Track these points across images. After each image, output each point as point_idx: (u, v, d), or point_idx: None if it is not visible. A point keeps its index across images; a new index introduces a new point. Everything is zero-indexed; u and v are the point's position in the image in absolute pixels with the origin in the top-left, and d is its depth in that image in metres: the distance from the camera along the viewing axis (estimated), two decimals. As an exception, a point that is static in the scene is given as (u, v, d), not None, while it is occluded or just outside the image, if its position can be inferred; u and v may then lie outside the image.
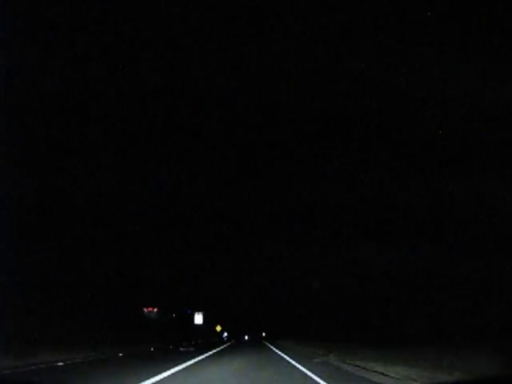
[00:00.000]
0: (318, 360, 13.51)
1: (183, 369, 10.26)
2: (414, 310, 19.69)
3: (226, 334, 71.57)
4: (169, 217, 31.79)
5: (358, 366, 9.96)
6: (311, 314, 43.88)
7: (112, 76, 15.90)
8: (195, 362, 12.40)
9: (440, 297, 18.27)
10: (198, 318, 61.76)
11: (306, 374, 8.98)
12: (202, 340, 44.84)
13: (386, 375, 7.98)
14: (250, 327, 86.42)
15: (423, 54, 13.35)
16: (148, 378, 7.75)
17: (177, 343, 28.91)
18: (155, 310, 51.54)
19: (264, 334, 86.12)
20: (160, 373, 8.77)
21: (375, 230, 22.86)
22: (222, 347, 27.68)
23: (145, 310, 48.94)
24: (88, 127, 19.06)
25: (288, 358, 14.33)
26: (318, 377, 8.17)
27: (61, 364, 11.18)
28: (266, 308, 76.97)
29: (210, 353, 18.44)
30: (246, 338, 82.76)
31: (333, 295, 31.65)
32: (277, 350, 21.72)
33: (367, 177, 21.01)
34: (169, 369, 9.71)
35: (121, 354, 16.09)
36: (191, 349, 22.91)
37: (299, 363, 11.75)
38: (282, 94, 17.41)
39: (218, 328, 65.58)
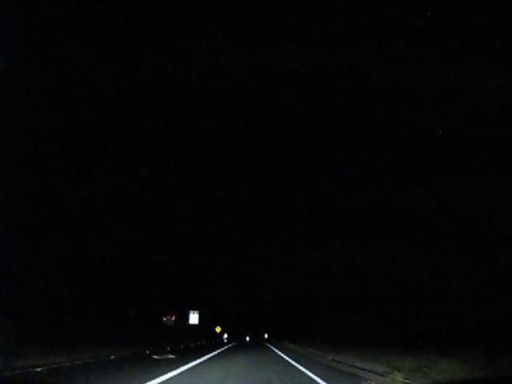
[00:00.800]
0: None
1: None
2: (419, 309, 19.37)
3: (226, 336, 67.30)
4: (168, 216, 31.79)
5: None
6: (316, 313, 42.17)
7: (111, 76, 15.90)
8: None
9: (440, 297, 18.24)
10: (194, 318, 56.66)
11: None
12: (196, 343, 39.16)
13: None
14: (251, 327, 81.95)
15: (423, 54, 13.34)
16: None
17: (158, 347, 23.20)
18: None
19: (266, 336, 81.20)
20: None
21: (375, 229, 22.85)
22: (215, 352, 22.73)
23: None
24: (88, 127, 19.07)
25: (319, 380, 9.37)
26: None
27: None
28: (266, 307, 73.65)
29: (189, 366, 12.86)
30: (248, 339, 78.99)
31: (335, 295, 31.46)
32: (290, 360, 16.75)
33: (367, 177, 21.03)
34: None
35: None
36: (170, 356, 17.76)
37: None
38: (282, 93, 17.41)
39: (218, 329, 61.29)
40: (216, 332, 60.52)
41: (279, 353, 23.81)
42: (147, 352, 19.41)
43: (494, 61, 12.65)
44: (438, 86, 14.09)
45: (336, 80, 15.66)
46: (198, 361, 15.05)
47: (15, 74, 13.43)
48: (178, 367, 11.96)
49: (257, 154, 25.43)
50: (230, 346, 38.05)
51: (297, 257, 38.58)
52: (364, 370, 10.64)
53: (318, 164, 23.87)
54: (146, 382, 8.52)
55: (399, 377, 8.45)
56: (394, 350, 14.03)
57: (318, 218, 27.81)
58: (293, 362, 15.47)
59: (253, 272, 54.79)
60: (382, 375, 9.11)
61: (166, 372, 10.38)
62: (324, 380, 9.30)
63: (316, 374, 10.57)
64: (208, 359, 16.73)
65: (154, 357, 16.92)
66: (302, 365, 13.82)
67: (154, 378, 9.09)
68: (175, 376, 10.07)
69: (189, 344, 34.16)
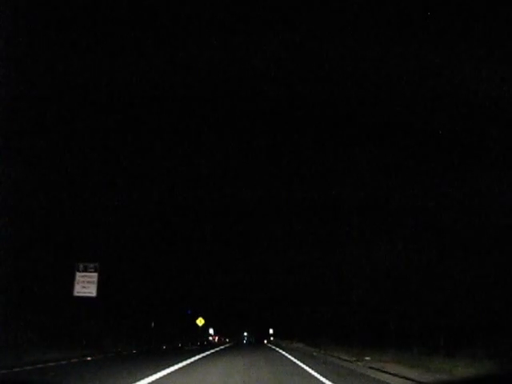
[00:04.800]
0: None
1: None
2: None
3: (212, 331, 51.20)
4: (173, 209, 31.44)
5: None
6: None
7: (108, 79, 15.93)
8: None
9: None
10: (85, 283, 20.54)
11: None
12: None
13: None
14: (250, 320, 61.60)
15: (422, 53, 13.34)
16: None
17: None
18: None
19: (271, 331, 61.25)
20: None
21: (377, 228, 22.88)
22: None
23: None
24: (87, 129, 19.13)
25: None
26: None
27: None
28: (271, 292, 52.75)
29: None
30: (246, 335, 65.53)
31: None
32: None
33: (369, 175, 21.12)
34: None
35: None
36: None
37: None
38: (281, 92, 17.47)
39: (200, 321, 41.13)
40: (198, 325, 41.79)
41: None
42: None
43: (496, 60, 12.65)
44: (437, 85, 14.12)
45: (337, 79, 15.67)
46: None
47: (17, 76, 13.53)
48: None
49: (257, 152, 25.55)
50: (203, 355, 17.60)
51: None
52: None
53: (322, 162, 23.91)
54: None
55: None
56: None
57: (322, 214, 27.81)
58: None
59: (253, 250, 45.06)
60: None
61: None
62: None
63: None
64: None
65: None
66: None
67: None
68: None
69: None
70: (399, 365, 10.63)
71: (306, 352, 21.22)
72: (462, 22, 12.50)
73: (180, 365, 10.94)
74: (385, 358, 12.56)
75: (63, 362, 11.39)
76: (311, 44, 14.09)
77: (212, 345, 36.05)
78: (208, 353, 18.98)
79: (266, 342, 55.06)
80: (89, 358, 13.46)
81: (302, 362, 12.95)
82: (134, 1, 13.93)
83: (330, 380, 7.93)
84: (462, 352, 11.76)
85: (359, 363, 12.25)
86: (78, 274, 20.67)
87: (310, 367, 10.85)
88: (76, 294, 20.37)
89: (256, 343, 51.53)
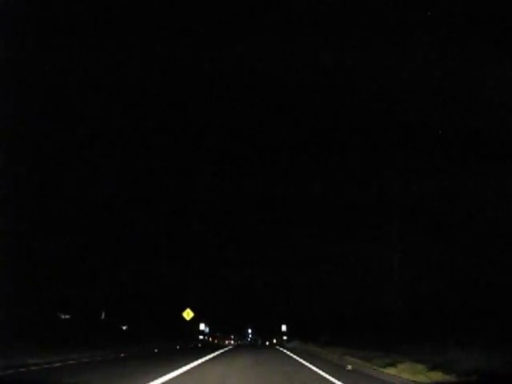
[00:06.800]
0: None
1: None
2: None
3: (204, 327, 41.48)
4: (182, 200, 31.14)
5: None
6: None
7: (107, 80, 15.98)
8: None
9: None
10: None
11: None
12: None
13: None
14: (256, 314, 47.72)
15: (426, 53, 13.35)
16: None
17: None
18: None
19: (284, 329, 44.75)
20: None
21: (379, 227, 22.83)
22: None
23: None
24: (88, 128, 19.20)
25: None
26: None
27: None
28: (282, 278, 40.45)
29: None
30: (249, 332, 55.94)
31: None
32: None
33: (371, 174, 21.12)
34: None
35: None
36: None
37: None
38: (282, 92, 17.50)
39: (188, 314, 31.75)
40: (185, 319, 32.05)
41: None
42: None
43: (496, 59, 12.64)
44: (439, 87, 14.13)
45: (339, 78, 15.67)
46: None
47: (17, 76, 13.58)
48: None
49: (258, 150, 25.58)
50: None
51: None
52: None
53: (327, 159, 23.86)
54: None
55: None
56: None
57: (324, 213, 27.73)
58: None
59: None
60: None
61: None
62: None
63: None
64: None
65: None
66: None
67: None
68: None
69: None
70: None
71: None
72: (461, 22, 12.51)
73: None
74: None
75: None
76: (310, 48, 14.12)
77: (191, 350, 22.23)
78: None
79: (275, 341, 43.80)
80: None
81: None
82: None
83: None
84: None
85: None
86: None
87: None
88: None
89: (262, 346, 38.05)
